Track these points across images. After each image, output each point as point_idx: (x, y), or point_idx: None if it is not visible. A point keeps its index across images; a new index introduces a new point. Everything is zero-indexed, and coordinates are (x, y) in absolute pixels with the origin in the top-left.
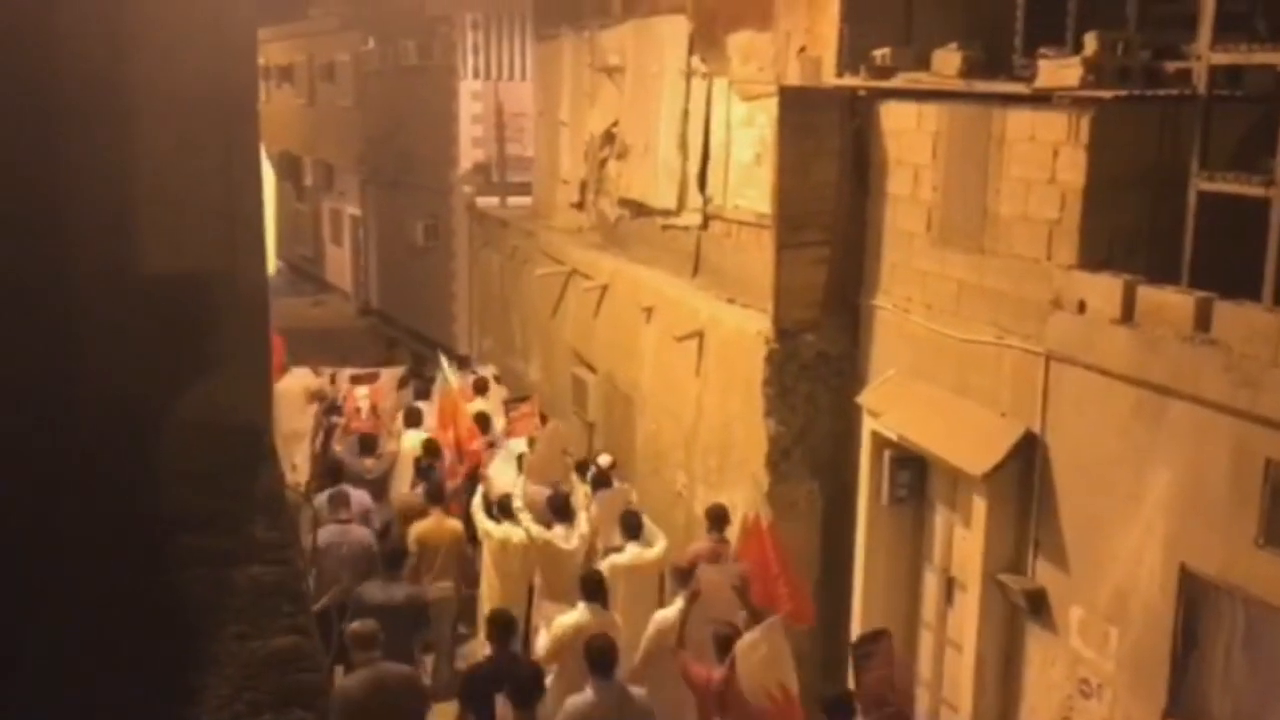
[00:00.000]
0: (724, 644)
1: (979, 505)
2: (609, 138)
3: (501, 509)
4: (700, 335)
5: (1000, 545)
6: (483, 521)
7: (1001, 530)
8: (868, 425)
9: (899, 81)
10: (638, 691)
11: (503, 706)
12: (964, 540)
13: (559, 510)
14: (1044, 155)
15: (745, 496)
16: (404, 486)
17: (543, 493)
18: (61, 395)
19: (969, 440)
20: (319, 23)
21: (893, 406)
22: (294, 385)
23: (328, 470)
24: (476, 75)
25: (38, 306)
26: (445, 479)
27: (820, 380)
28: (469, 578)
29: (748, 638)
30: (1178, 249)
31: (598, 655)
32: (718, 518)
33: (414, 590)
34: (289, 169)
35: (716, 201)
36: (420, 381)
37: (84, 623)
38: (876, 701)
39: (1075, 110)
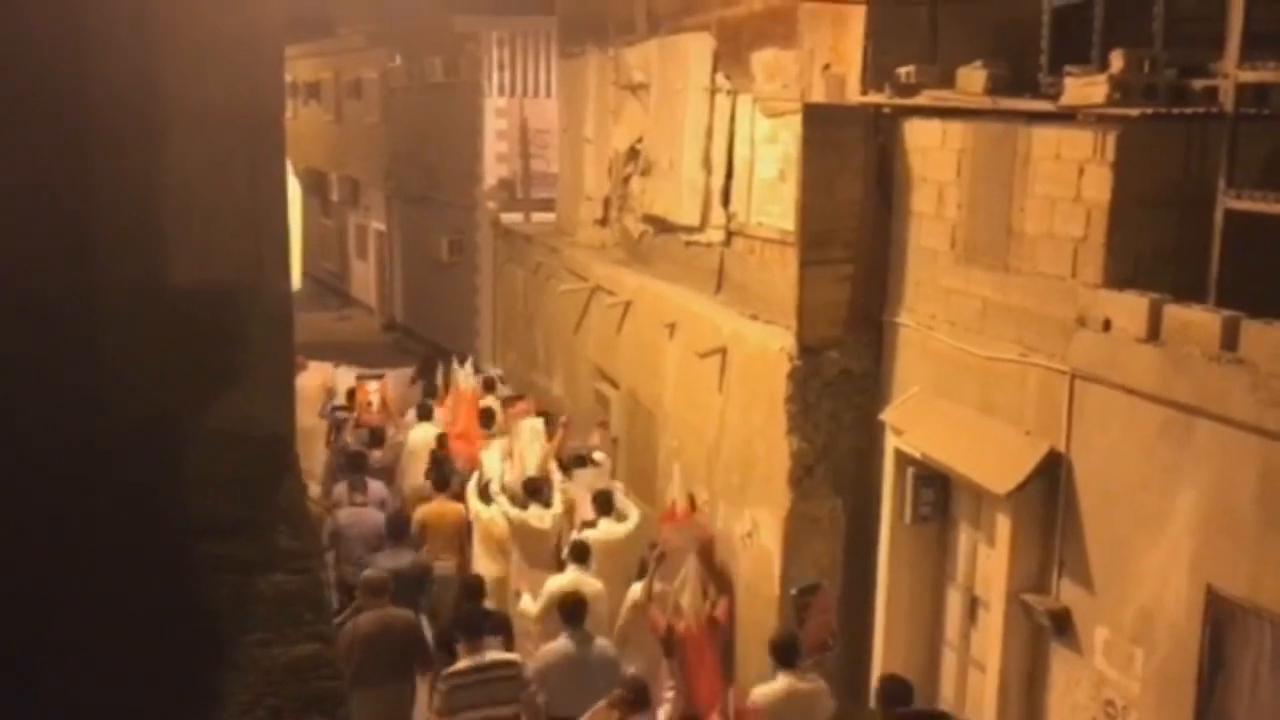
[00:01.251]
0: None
1: (1003, 524)
2: (633, 154)
3: (484, 494)
4: (723, 352)
5: (1024, 564)
6: (474, 504)
7: (1026, 549)
8: (891, 443)
9: (924, 99)
10: (603, 642)
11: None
12: (988, 559)
13: (533, 493)
14: (1069, 173)
15: (767, 513)
16: (417, 477)
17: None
18: (87, 405)
19: (993, 458)
20: (346, 40)
21: (916, 424)
22: (312, 381)
23: (349, 461)
24: (502, 92)
25: (66, 317)
26: (453, 468)
27: (843, 397)
28: (467, 561)
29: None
30: (1204, 268)
31: (570, 608)
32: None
33: (419, 558)
34: (315, 185)
35: (740, 218)
36: (429, 380)
37: (108, 629)
38: (817, 646)
39: (1101, 128)
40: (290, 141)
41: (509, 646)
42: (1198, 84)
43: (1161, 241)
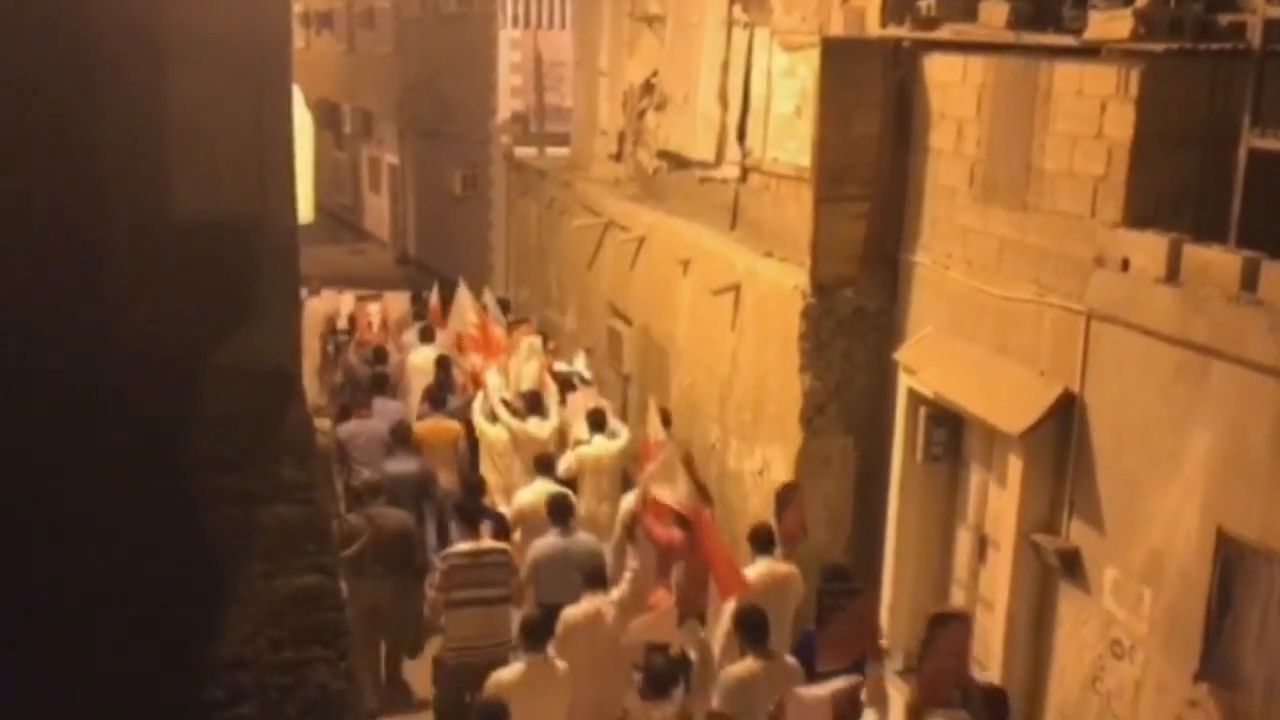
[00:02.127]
0: (683, 521)
1: (1015, 464)
2: (648, 88)
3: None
4: (737, 289)
5: (1035, 505)
6: (479, 422)
7: (1037, 490)
8: (904, 382)
9: (944, 33)
10: (586, 536)
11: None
12: (998, 499)
13: (532, 406)
14: (1091, 110)
15: (778, 451)
16: (418, 394)
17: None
18: (94, 336)
19: (1006, 399)
20: None
21: (930, 363)
22: (320, 307)
23: (354, 380)
24: (516, 23)
25: (72, 248)
26: (454, 390)
27: (857, 336)
28: (464, 471)
29: (649, 468)
30: (1226, 208)
31: (557, 507)
32: (666, 416)
33: (423, 463)
34: (328, 117)
35: (755, 154)
36: (420, 304)
37: (114, 558)
38: (792, 537)
39: (1125, 63)
40: (302, 72)
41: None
42: (1224, 19)
43: (1183, 181)
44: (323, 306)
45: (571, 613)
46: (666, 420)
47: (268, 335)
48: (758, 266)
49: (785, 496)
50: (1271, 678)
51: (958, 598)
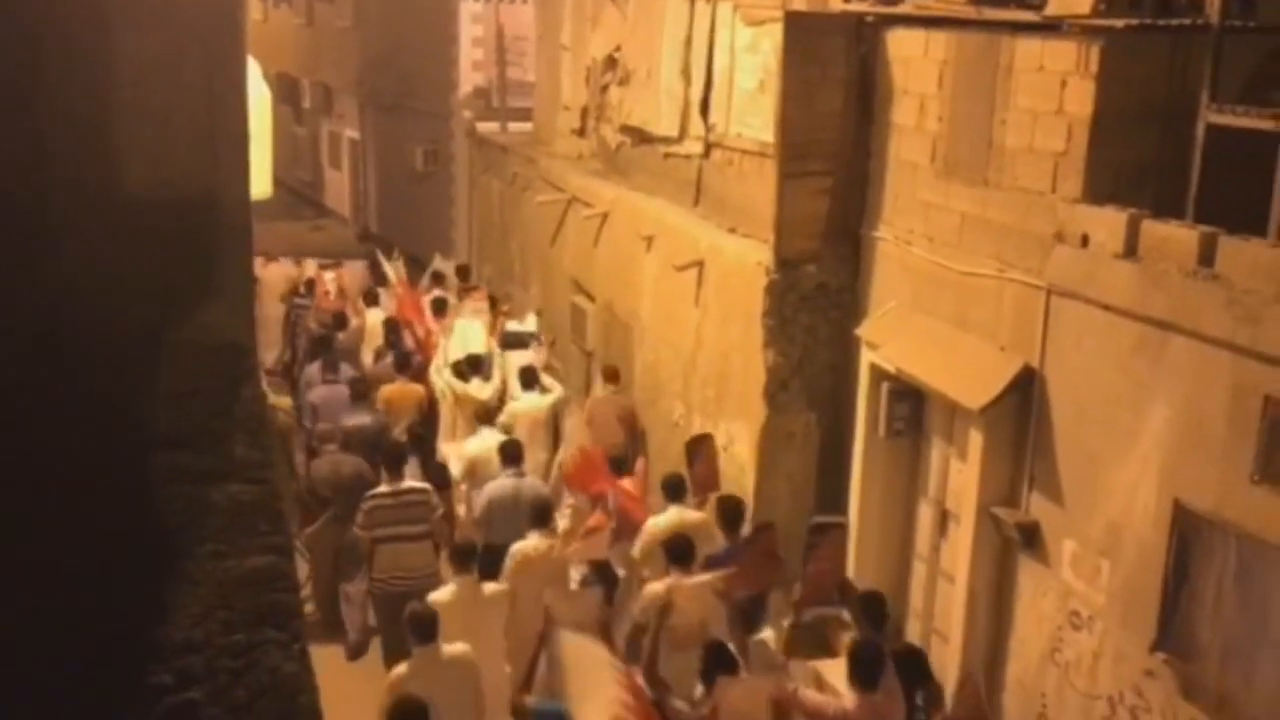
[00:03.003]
0: (615, 464)
1: (975, 439)
2: (611, 63)
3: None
4: (700, 265)
5: (995, 478)
6: (434, 379)
7: (997, 464)
8: (866, 357)
9: (907, 7)
10: (534, 479)
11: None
12: (959, 473)
13: (473, 367)
14: (1052, 86)
15: (742, 426)
16: (367, 357)
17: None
18: (39, 311)
19: (967, 374)
20: None
21: (892, 339)
22: (275, 274)
23: (319, 342)
24: None
25: (14, 219)
26: (409, 353)
27: (820, 312)
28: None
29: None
30: (1185, 183)
31: (509, 452)
32: (613, 373)
33: (377, 415)
34: (287, 91)
35: (719, 129)
36: (379, 270)
37: (59, 540)
38: (704, 486)
39: (1085, 39)
40: (260, 46)
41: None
42: None
43: (1143, 156)
44: (281, 271)
45: (521, 547)
46: (613, 377)
47: (221, 310)
48: (721, 242)
49: (695, 448)
50: (1226, 648)
51: (919, 571)
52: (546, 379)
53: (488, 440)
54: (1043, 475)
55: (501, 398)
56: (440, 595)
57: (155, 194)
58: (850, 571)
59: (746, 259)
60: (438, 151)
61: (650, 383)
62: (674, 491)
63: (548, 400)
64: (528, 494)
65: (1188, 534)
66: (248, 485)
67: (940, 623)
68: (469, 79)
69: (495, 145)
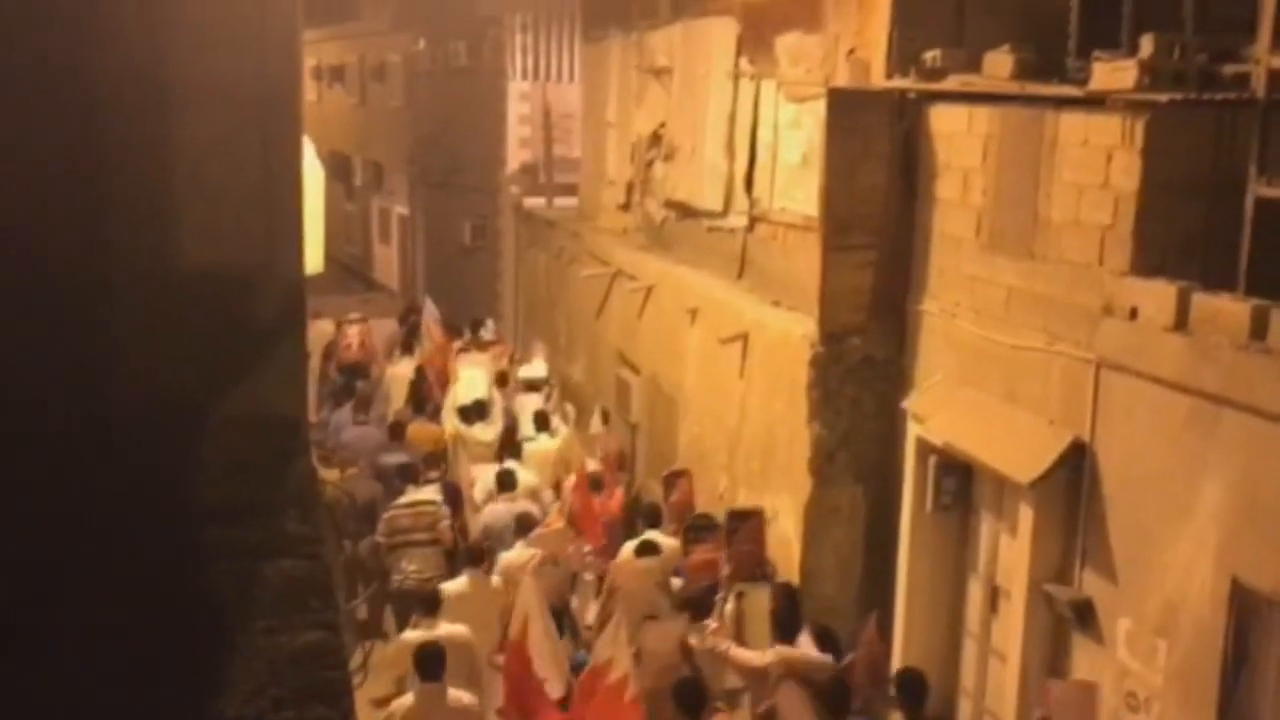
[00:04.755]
0: (595, 481)
1: (1025, 514)
2: (656, 139)
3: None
4: (745, 338)
5: (1047, 554)
6: (447, 419)
7: (1048, 539)
8: (913, 430)
9: (950, 84)
10: (524, 503)
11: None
12: (1009, 549)
13: (477, 413)
14: (1097, 159)
15: (787, 500)
16: (399, 401)
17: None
18: (92, 386)
19: (1016, 447)
20: (370, 23)
21: (939, 412)
22: (315, 332)
23: (344, 389)
24: (525, 76)
25: (74, 295)
26: (428, 396)
27: (865, 384)
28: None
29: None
30: (1234, 256)
31: (504, 481)
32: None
33: (412, 453)
34: (339, 168)
35: (763, 204)
36: (412, 324)
37: (112, 613)
38: (680, 515)
39: (1130, 114)
40: (314, 125)
41: (458, 511)
42: (1228, 70)
43: (1190, 229)
44: (321, 329)
45: (507, 555)
46: (605, 418)
47: (273, 383)
48: (765, 315)
49: (670, 480)
50: None
51: (969, 649)
52: (555, 421)
53: (491, 474)
54: (1095, 551)
55: (511, 437)
56: (453, 586)
57: (211, 269)
58: (898, 647)
59: (791, 332)
60: (485, 226)
61: (694, 455)
62: (650, 520)
63: (554, 443)
64: (517, 515)
65: (1247, 613)
66: (299, 560)
67: (992, 703)
68: (516, 156)
69: (541, 220)
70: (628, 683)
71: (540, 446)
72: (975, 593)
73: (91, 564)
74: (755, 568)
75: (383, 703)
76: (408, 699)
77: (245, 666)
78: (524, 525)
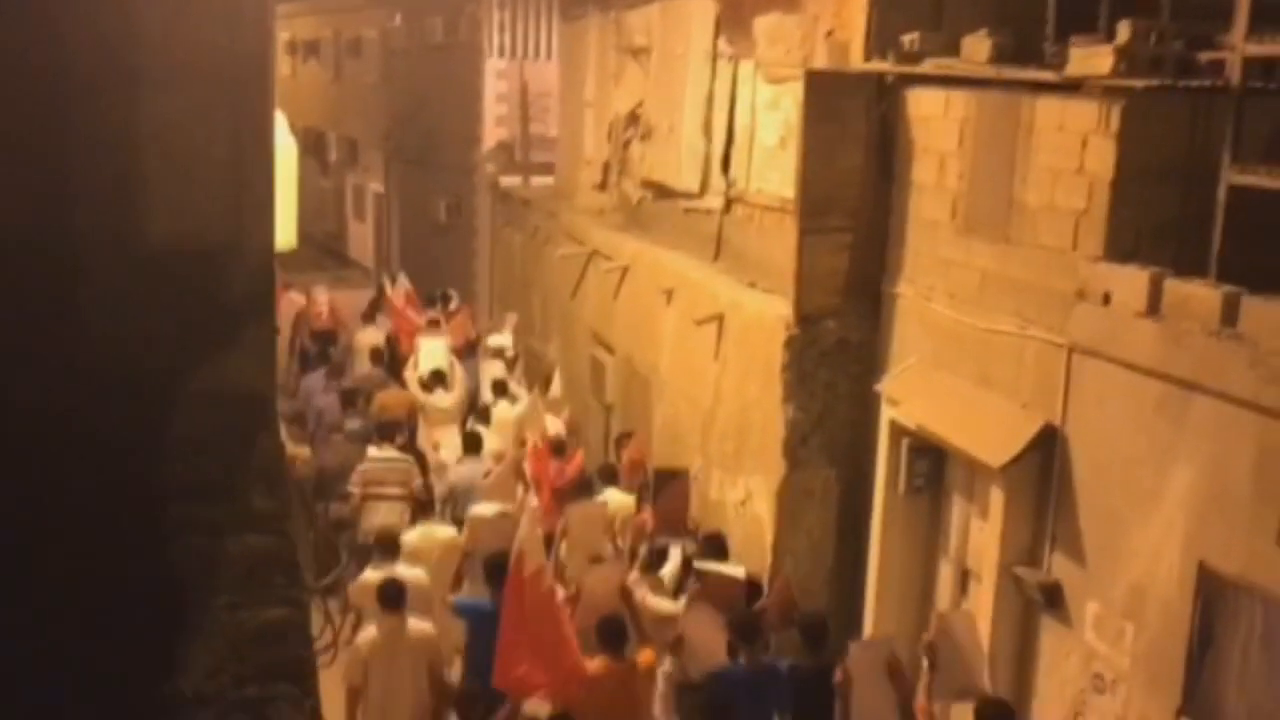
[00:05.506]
0: (559, 445)
1: (996, 497)
2: (633, 119)
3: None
4: (720, 319)
5: (1017, 538)
6: (410, 387)
7: (1018, 522)
8: (886, 414)
9: (927, 67)
10: (486, 464)
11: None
12: (980, 532)
13: (436, 380)
14: (1073, 144)
15: (760, 482)
16: (361, 369)
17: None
18: (60, 360)
19: (988, 431)
20: None
21: (912, 395)
22: (285, 304)
23: (318, 356)
24: (502, 54)
25: (37, 270)
26: (400, 364)
27: (840, 367)
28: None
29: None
30: (1206, 243)
31: (470, 442)
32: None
33: (366, 419)
34: (314, 145)
35: (739, 185)
36: (377, 294)
37: (69, 588)
38: (632, 473)
39: (1106, 99)
40: (288, 100)
41: (424, 469)
42: (1204, 56)
43: (1163, 215)
44: (292, 300)
45: (475, 509)
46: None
47: (241, 359)
48: (741, 297)
49: (622, 440)
50: (1253, 713)
51: None
52: (514, 388)
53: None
54: (1065, 535)
55: (472, 403)
56: (409, 535)
57: (179, 245)
58: (869, 628)
59: (766, 314)
60: (460, 205)
61: (669, 436)
62: (608, 477)
63: (514, 410)
64: (480, 473)
65: (1213, 597)
66: (264, 536)
67: None
68: (492, 134)
69: (517, 199)
70: (543, 573)
71: (502, 412)
72: (946, 575)
73: (54, 540)
74: (679, 524)
75: None
76: (371, 631)
77: (206, 643)
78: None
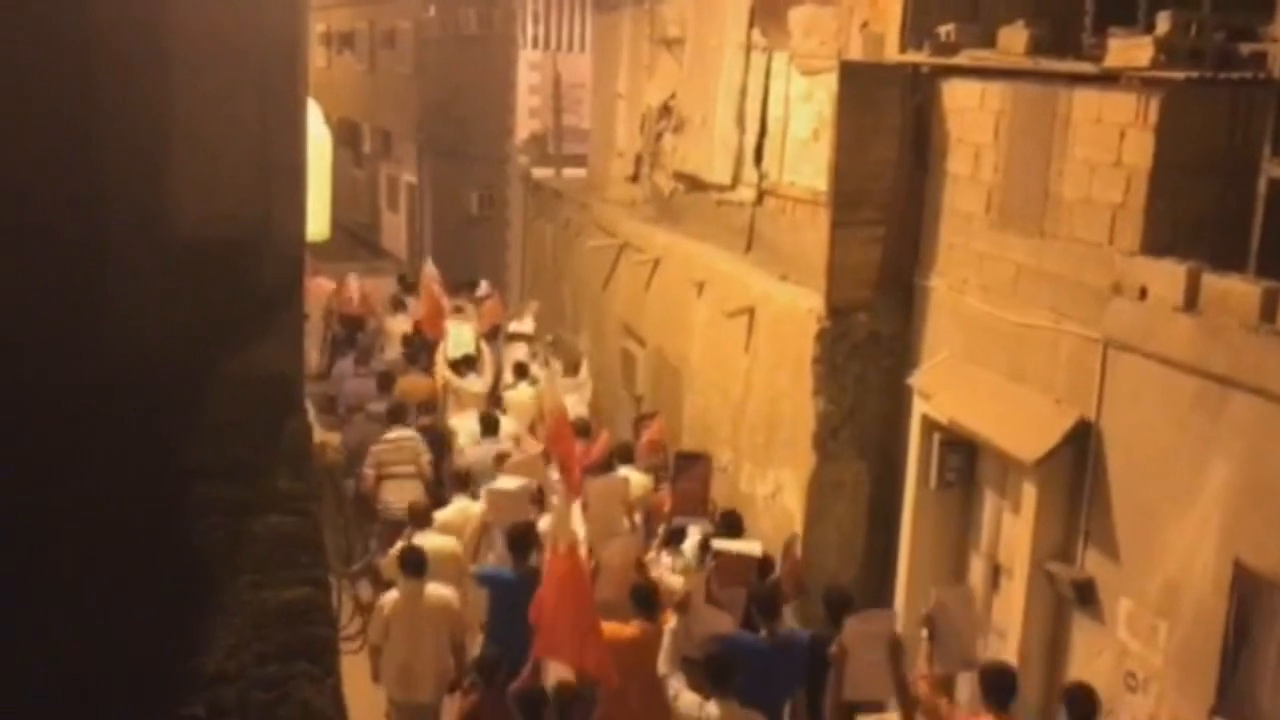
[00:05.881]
0: (584, 427)
1: (1029, 492)
2: (666, 111)
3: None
4: (751, 311)
5: (1049, 533)
6: (437, 373)
7: (1051, 518)
8: (918, 407)
9: (963, 59)
10: (504, 444)
11: None
12: (1012, 527)
13: (467, 365)
14: (1110, 137)
15: (790, 475)
16: (391, 356)
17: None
18: (90, 340)
19: (1021, 426)
20: None
21: (944, 389)
22: (316, 288)
23: (347, 341)
24: (535, 45)
25: (69, 249)
26: (418, 351)
27: (871, 360)
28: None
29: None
30: (1245, 237)
31: (487, 423)
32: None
33: (397, 399)
34: (348, 135)
35: (772, 177)
36: (405, 281)
37: (95, 566)
38: (650, 453)
39: (1144, 91)
40: (323, 91)
41: (441, 454)
42: (1245, 48)
43: (1202, 209)
44: (323, 285)
45: (496, 484)
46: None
47: (269, 341)
48: (772, 289)
49: (642, 421)
50: None
51: None
52: (535, 371)
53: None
54: (1098, 531)
55: (495, 386)
56: (443, 512)
57: (207, 226)
58: (900, 623)
59: (798, 306)
60: (493, 196)
61: (699, 428)
62: (624, 457)
63: (532, 391)
64: (496, 454)
65: (1249, 595)
66: (288, 517)
67: None
68: (525, 125)
69: (549, 190)
70: (575, 550)
71: (520, 394)
72: (977, 570)
73: (80, 517)
74: (697, 505)
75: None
76: (392, 594)
77: (229, 621)
78: (497, 461)
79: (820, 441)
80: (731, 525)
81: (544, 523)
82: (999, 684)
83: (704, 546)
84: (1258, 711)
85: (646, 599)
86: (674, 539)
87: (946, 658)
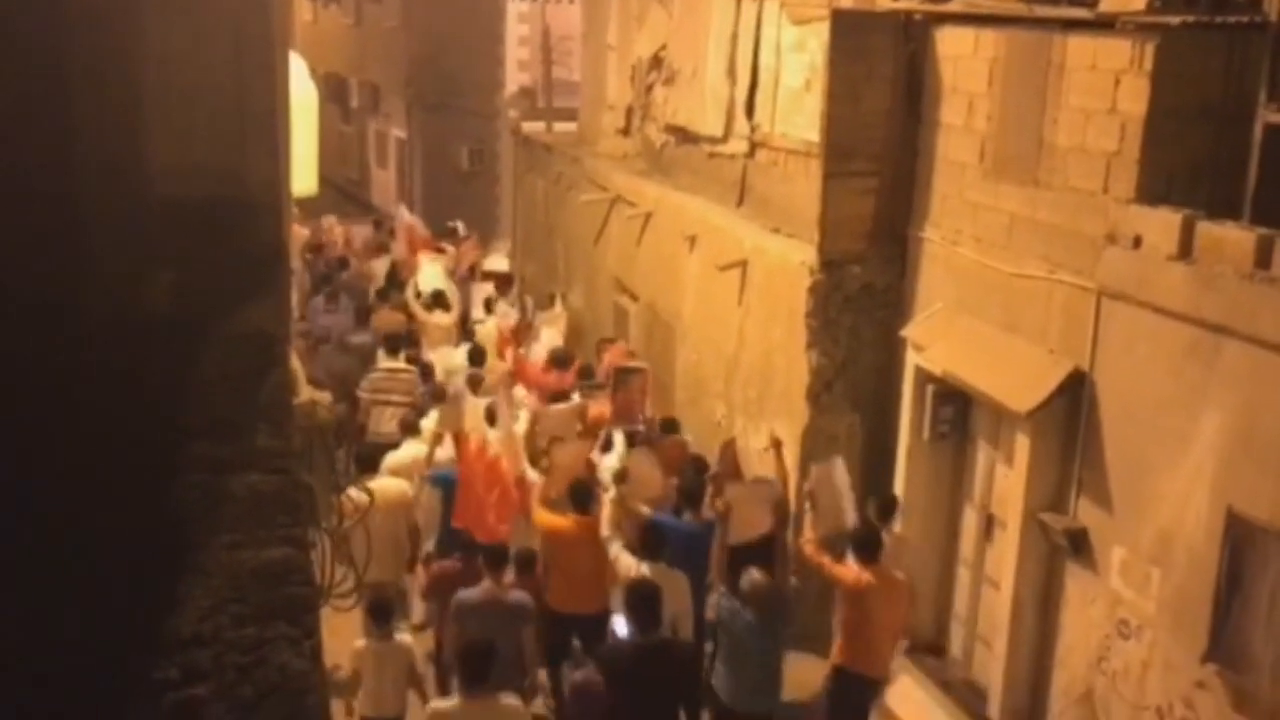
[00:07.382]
0: (559, 358)
1: (1022, 443)
2: (656, 62)
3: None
4: (744, 265)
5: (1042, 484)
6: (410, 306)
7: (1044, 468)
8: (911, 359)
9: (956, 5)
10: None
11: None
12: (1005, 478)
13: (436, 301)
14: (1105, 84)
15: (784, 427)
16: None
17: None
18: (62, 293)
19: (1014, 377)
20: None
21: (938, 341)
22: (294, 234)
23: (322, 279)
24: None
25: (43, 202)
26: (389, 288)
27: (864, 312)
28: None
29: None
30: (1241, 184)
31: (473, 355)
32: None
33: (374, 335)
34: (335, 90)
35: (764, 129)
36: (385, 227)
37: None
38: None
39: (1139, 37)
40: (310, 46)
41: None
42: None
43: (1197, 156)
44: (300, 230)
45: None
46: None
47: (249, 296)
48: (765, 242)
49: (602, 344)
50: None
51: (963, 576)
52: (503, 305)
53: (457, 354)
54: (1091, 481)
55: (465, 319)
56: (393, 456)
57: (185, 176)
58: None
59: (790, 259)
60: (483, 151)
61: (691, 382)
62: (585, 376)
63: (491, 323)
64: (468, 375)
65: (1241, 542)
66: (268, 475)
67: (984, 629)
68: (514, 79)
69: (540, 144)
70: (485, 445)
71: (488, 328)
72: (970, 521)
73: (54, 475)
74: (634, 415)
75: None
76: (362, 497)
77: (206, 582)
78: (474, 384)
79: (814, 394)
80: (669, 425)
81: (493, 434)
82: (867, 541)
83: (629, 440)
84: (1248, 656)
85: (581, 495)
86: (605, 446)
87: (825, 521)
